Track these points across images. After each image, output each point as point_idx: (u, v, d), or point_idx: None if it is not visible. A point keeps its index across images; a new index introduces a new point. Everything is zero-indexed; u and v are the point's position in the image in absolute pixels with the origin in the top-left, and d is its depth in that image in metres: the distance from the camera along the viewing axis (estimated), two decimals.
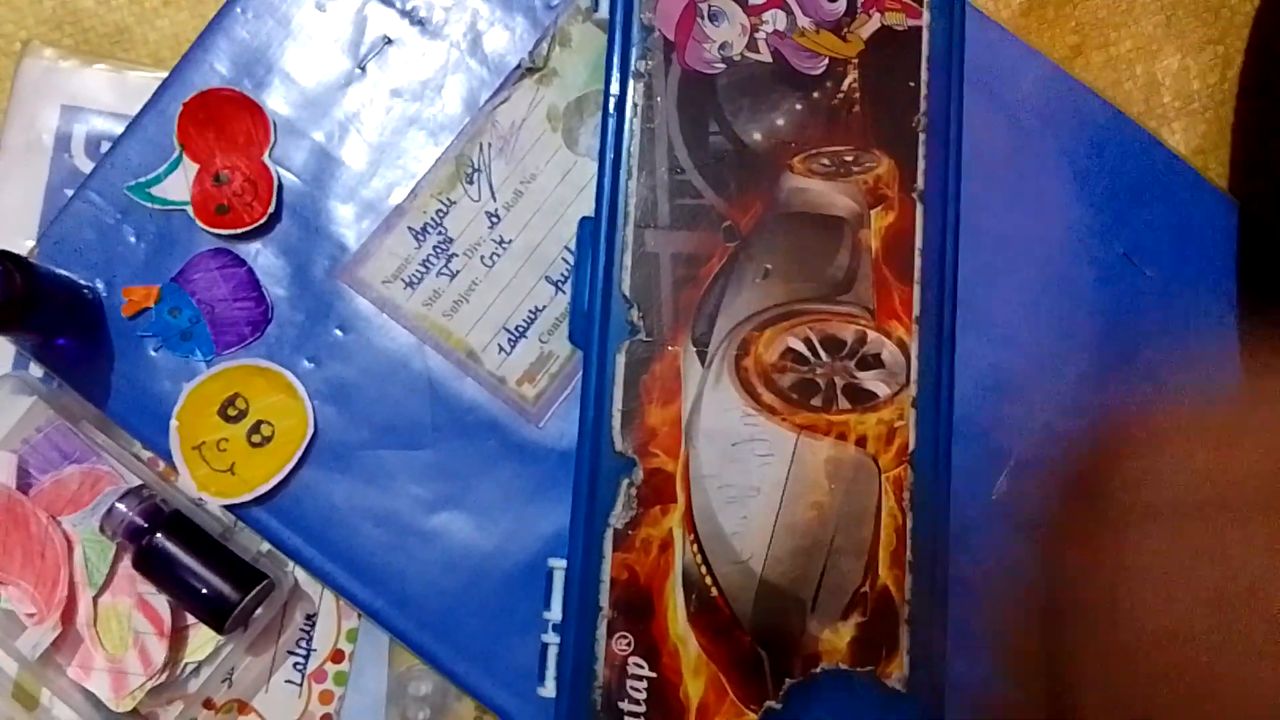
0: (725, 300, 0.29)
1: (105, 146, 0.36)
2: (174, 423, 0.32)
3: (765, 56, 0.30)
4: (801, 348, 0.29)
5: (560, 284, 0.34)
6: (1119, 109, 0.36)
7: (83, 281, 0.33)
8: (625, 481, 0.28)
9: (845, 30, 0.30)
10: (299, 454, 0.32)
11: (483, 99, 0.35)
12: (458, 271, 0.34)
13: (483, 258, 0.34)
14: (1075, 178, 0.35)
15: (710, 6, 0.30)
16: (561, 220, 0.34)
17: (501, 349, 0.34)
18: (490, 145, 0.34)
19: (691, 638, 0.28)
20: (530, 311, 0.34)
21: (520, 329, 0.34)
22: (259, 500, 0.32)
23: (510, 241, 0.34)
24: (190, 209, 0.33)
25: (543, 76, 0.35)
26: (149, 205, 0.34)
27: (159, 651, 0.32)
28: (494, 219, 0.34)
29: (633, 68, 0.30)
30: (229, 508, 0.32)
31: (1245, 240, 0.37)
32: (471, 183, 0.34)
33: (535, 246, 0.34)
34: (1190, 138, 0.39)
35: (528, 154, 0.34)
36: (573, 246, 0.34)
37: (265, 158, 0.34)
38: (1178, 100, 0.39)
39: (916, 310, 0.29)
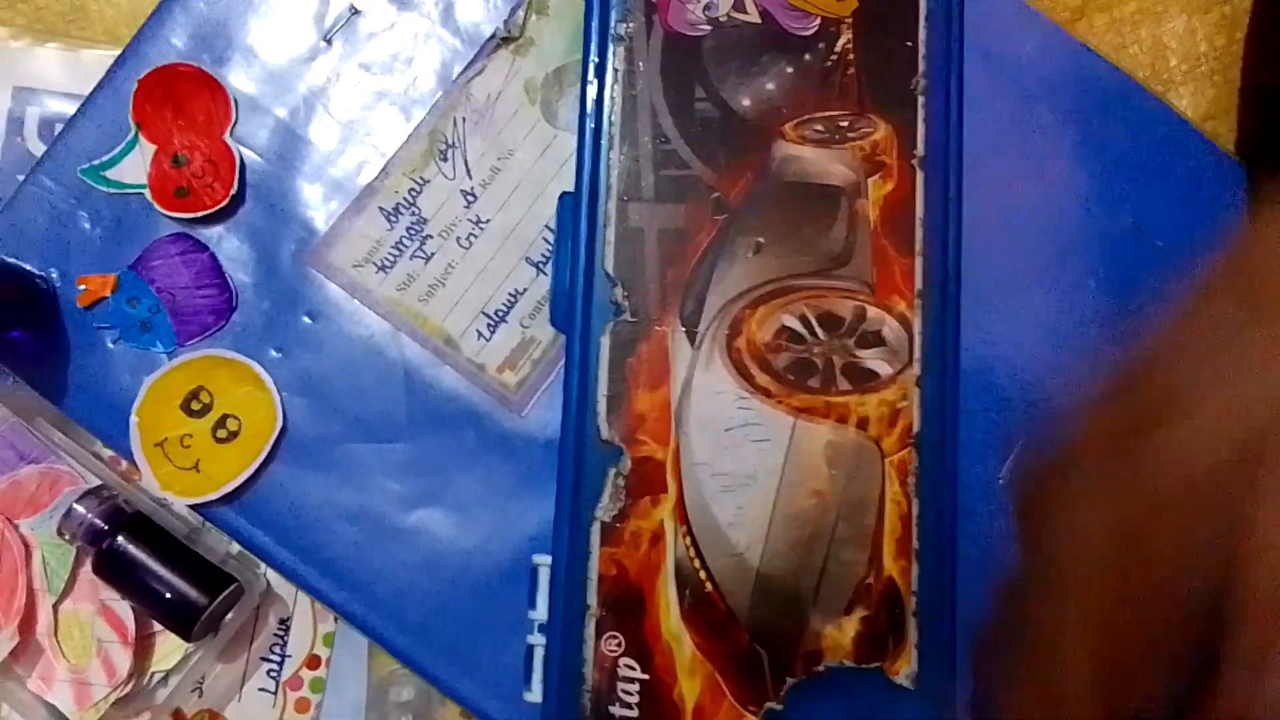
0: (715, 277, 0.27)
1: (59, 129, 0.34)
2: (134, 418, 0.31)
3: (753, 16, 0.28)
4: (797, 326, 0.27)
5: (541, 265, 0.32)
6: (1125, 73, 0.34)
7: (36, 271, 0.32)
8: (612, 471, 0.26)
9: None
10: (267, 449, 0.31)
11: (456, 71, 0.33)
12: (433, 254, 0.32)
13: (459, 239, 0.32)
14: (1080, 145, 0.34)
15: None
16: (541, 198, 0.32)
17: (480, 335, 0.32)
18: (465, 120, 0.33)
19: (686, 636, 0.26)
20: (510, 295, 0.32)
21: (500, 313, 0.32)
22: (226, 499, 0.31)
23: (488, 221, 0.32)
24: (148, 192, 0.32)
25: (519, 47, 0.33)
26: (104, 189, 0.32)
27: (124, 661, 0.31)
28: (470, 197, 0.32)
29: (612, 31, 0.28)
30: (195, 507, 0.31)
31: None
32: (445, 160, 0.32)
33: (514, 226, 0.32)
34: (1199, 102, 0.37)
35: (504, 128, 0.33)
36: (553, 225, 0.32)
37: (226, 137, 0.32)
38: (1185, 63, 0.37)
39: (919, 284, 0.27)
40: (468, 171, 0.32)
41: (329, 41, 0.33)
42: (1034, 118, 0.34)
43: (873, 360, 0.27)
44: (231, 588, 0.30)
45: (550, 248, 0.32)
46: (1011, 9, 0.34)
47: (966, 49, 0.29)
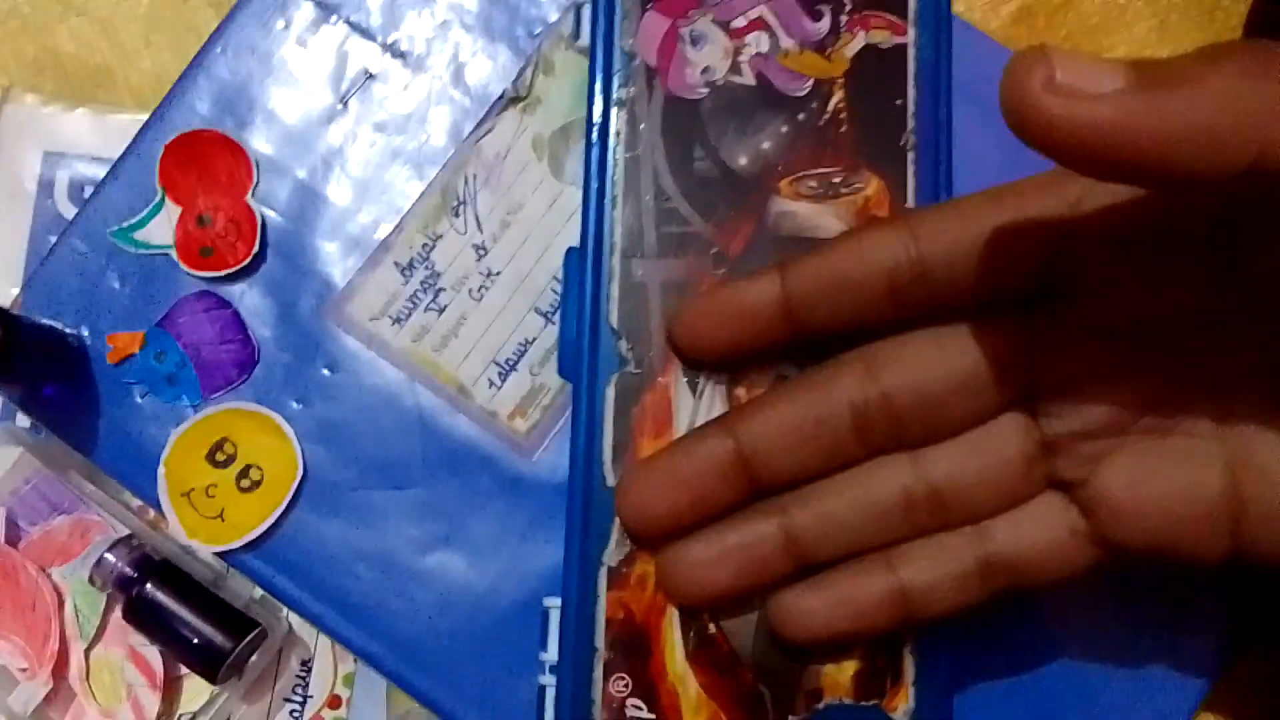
0: None
1: (88, 191, 0.35)
2: (162, 470, 0.32)
3: (749, 79, 0.29)
4: (794, 374, 0.28)
5: (550, 315, 0.33)
6: None
7: (68, 329, 0.33)
8: (618, 518, 0.27)
9: (829, 50, 0.29)
10: (289, 497, 0.32)
11: (466, 130, 0.34)
12: (446, 306, 0.33)
13: (471, 291, 0.34)
14: None
15: (692, 31, 0.29)
16: (550, 250, 0.34)
17: (492, 383, 0.33)
18: (475, 176, 0.34)
19: (690, 676, 0.27)
20: (520, 344, 0.33)
21: (510, 362, 0.33)
22: (249, 545, 0.32)
23: (498, 273, 0.34)
24: (174, 252, 0.33)
25: (527, 105, 0.34)
26: (132, 250, 0.33)
27: (152, 703, 0.32)
28: (481, 251, 0.34)
29: (615, 95, 0.29)
30: (219, 554, 0.32)
31: None
32: (457, 215, 0.34)
33: (524, 277, 0.34)
34: None
35: (514, 184, 0.34)
36: (561, 276, 0.33)
37: (248, 198, 0.33)
38: None
39: None
40: (478, 226, 0.34)
41: (345, 104, 0.34)
42: (1025, 164, 0.34)
43: None
44: (255, 632, 0.31)
45: (558, 298, 0.33)
46: (1003, 59, 0.35)
47: (958, 97, 0.30)
